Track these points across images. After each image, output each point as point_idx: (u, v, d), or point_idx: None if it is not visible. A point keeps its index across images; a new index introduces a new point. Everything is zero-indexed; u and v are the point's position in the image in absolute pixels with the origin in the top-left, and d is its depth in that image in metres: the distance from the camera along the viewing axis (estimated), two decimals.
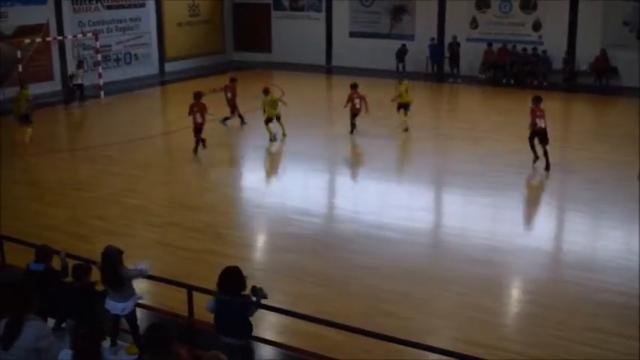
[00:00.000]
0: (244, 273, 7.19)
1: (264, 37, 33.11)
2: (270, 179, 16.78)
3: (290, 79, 28.33)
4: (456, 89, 27.12)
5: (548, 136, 15.94)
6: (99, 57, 25.67)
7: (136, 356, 7.56)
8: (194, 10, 31.74)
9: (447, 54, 28.44)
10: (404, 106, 19.84)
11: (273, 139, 18.87)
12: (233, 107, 20.24)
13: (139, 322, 8.32)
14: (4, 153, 17.05)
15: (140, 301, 8.54)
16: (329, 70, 30.95)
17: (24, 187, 15.68)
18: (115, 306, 7.83)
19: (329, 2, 31.40)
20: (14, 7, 24.10)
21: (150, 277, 8.48)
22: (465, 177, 15.71)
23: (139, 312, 8.96)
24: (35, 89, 21.78)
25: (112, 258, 7.74)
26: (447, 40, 28.53)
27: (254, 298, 7.16)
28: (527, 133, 16.24)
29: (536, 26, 27.33)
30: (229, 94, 20.28)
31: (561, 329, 9.12)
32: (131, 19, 28.62)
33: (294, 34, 31.96)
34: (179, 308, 8.46)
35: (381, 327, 7.77)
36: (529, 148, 16.18)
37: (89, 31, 26.16)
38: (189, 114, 17.52)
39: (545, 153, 15.97)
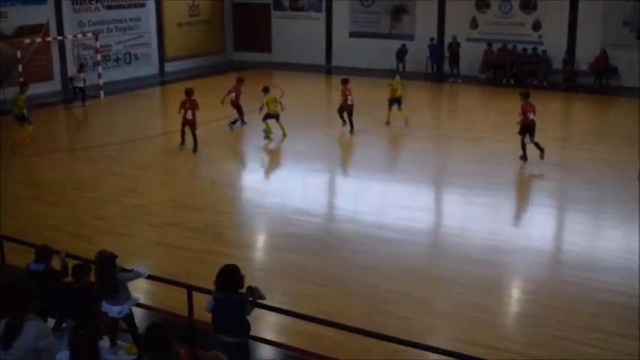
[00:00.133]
0: (243, 272, 7.19)
1: (264, 37, 33.11)
2: (270, 179, 16.77)
3: (290, 79, 28.34)
4: (455, 89, 27.12)
5: (539, 133, 16.05)
6: (99, 57, 25.66)
7: (135, 356, 7.58)
8: (194, 10, 31.74)
9: (446, 54, 28.45)
10: (397, 101, 20.23)
11: (269, 136, 18.92)
12: (237, 108, 20.18)
13: (139, 322, 8.32)
14: (4, 153, 17.04)
15: (140, 301, 8.55)
16: (329, 70, 30.95)
17: (24, 187, 15.68)
18: (110, 309, 7.80)
19: (329, 2, 31.41)
20: (14, 7, 24.10)
21: (150, 277, 8.48)
22: (464, 177, 15.71)
23: (139, 312, 8.97)
24: (35, 89, 21.83)
25: (105, 263, 7.73)
26: (447, 40, 28.54)
27: (250, 298, 7.17)
28: (517, 128, 16.48)
29: (536, 26, 27.34)
30: (233, 95, 20.26)
31: (561, 329, 9.12)
32: (131, 19, 28.62)
33: (294, 34, 31.97)
34: (179, 308, 8.47)
35: (381, 327, 7.77)
36: (520, 145, 16.47)
37: (89, 31, 26.15)
38: (180, 110, 17.88)
39: (536, 143, 16.33)
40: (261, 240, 13.14)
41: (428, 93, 27.15)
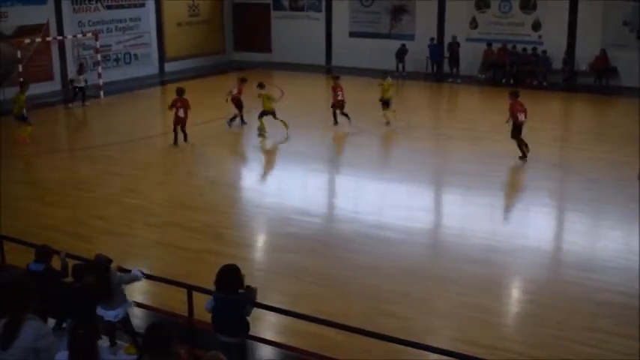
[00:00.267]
0: (243, 272, 7.20)
1: (264, 37, 33.11)
2: (269, 179, 16.77)
3: (290, 79, 28.35)
4: (455, 89, 27.13)
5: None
6: (99, 57, 25.66)
7: (135, 356, 7.58)
8: (194, 10, 31.74)
9: (446, 54, 28.45)
10: (385, 102, 20.44)
11: (263, 134, 18.95)
12: (237, 104, 20.18)
13: (139, 322, 8.32)
14: (4, 153, 17.04)
15: (140, 301, 8.55)
16: (329, 70, 30.89)
17: (24, 187, 15.68)
18: (106, 314, 7.76)
19: (329, 2, 31.40)
20: (14, 7, 24.10)
21: (150, 277, 8.49)
22: (464, 177, 15.71)
23: (139, 312, 8.99)
24: (35, 89, 21.83)
25: (100, 267, 7.73)
26: (447, 40, 28.54)
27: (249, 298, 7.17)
28: (509, 128, 16.78)
29: (536, 26, 27.34)
30: (235, 91, 20.31)
31: (561, 329, 9.13)
32: (131, 19, 28.62)
33: (294, 34, 31.97)
34: (179, 308, 8.47)
35: (380, 327, 7.77)
36: (517, 147, 16.74)
37: (89, 31, 26.15)
38: (171, 108, 18.30)
39: (520, 144, 16.73)
40: (260, 240, 13.14)
41: (428, 93, 27.16)
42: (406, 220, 13.20)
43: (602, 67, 25.85)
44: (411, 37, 29.55)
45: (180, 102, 18.16)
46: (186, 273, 9.87)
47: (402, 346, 7.01)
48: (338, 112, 20.26)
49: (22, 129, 18.70)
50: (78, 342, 5.46)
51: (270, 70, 30.61)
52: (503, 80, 27.08)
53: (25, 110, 18.76)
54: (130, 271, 8.08)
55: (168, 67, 30.24)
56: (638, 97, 22.89)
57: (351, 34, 31.12)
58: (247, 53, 33.32)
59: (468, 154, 17.69)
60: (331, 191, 15.86)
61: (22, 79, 21.22)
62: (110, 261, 7.82)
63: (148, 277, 8.40)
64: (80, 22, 26.38)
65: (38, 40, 24.50)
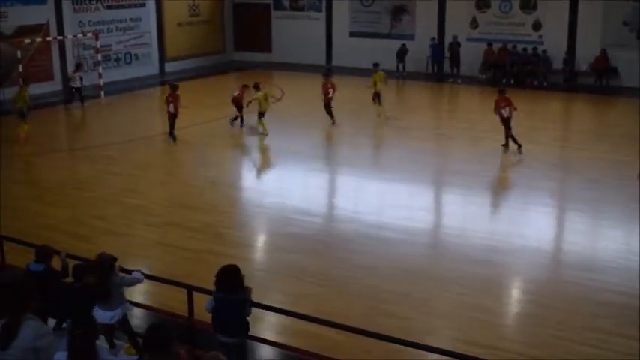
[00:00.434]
0: (243, 272, 7.20)
1: (265, 37, 33.10)
2: (270, 179, 16.75)
3: (290, 79, 28.34)
4: (456, 89, 27.11)
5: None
6: (99, 57, 25.68)
7: (134, 357, 7.57)
8: (194, 10, 31.74)
9: (447, 54, 28.44)
10: (377, 94, 20.80)
11: (265, 134, 18.97)
12: (237, 105, 20.21)
13: (139, 322, 8.32)
14: (4, 153, 17.04)
15: (140, 301, 8.54)
16: (329, 70, 30.87)
17: (24, 187, 15.68)
18: (103, 315, 7.70)
19: (329, 2, 31.40)
20: (14, 7, 24.09)
21: (150, 277, 8.49)
22: (464, 177, 15.71)
23: (139, 312, 8.98)
24: (35, 89, 21.82)
25: (104, 265, 7.73)
26: (447, 40, 28.53)
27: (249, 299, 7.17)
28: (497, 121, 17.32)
29: (536, 26, 27.33)
30: (237, 93, 20.37)
31: (561, 329, 9.12)
32: (131, 19, 28.62)
33: (295, 34, 31.96)
34: (179, 308, 8.47)
35: (381, 327, 7.77)
36: (512, 141, 17.17)
37: (89, 31, 26.16)
38: (165, 103, 18.98)
39: (508, 137, 17.24)
40: (261, 240, 13.14)
41: (428, 93, 27.14)
42: (406, 220, 13.20)
43: (603, 67, 25.84)
44: (412, 37, 29.54)
45: (172, 97, 18.80)
46: (186, 273, 9.87)
47: (402, 346, 7.01)
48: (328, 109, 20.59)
49: (20, 127, 18.74)
50: (76, 342, 5.46)
51: (271, 70, 30.62)
52: (504, 80, 27.01)
53: (25, 108, 18.84)
54: (130, 271, 8.08)
55: (169, 67, 30.24)
56: (639, 97, 22.87)
57: (352, 34, 31.11)
58: (247, 53, 33.32)
59: (469, 154, 17.70)
60: (331, 191, 15.86)
61: (23, 78, 21.20)
62: (115, 259, 7.82)
63: (148, 277, 8.40)
64: (80, 22, 26.38)
65: (38, 40, 24.50)
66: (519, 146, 17.13)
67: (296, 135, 19.46)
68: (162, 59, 30.19)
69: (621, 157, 16.76)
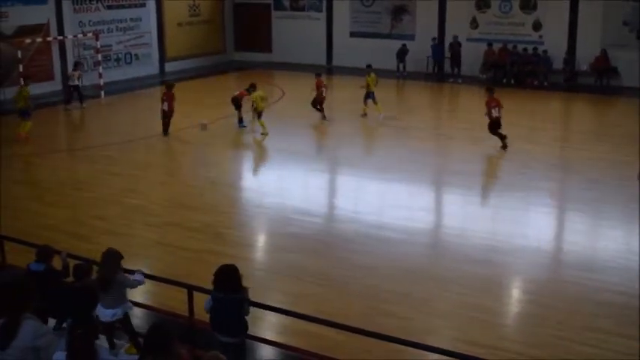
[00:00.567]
0: (242, 272, 7.19)
1: (265, 37, 33.11)
2: (270, 179, 16.73)
3: (290, 79, 28.34)
4: (456, 89, 27.11)
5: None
6: (99, 57, 25.69)
7: (135, 357, 7.57)
8: (194, 10, 31.74)
9: (447, 54, 28.44)
10: (370, 95, 21.06)
11: (265, 133, 19.01)
12: (238, 106, 20.24)
13: (139, 322, 8.32)
14: (4, 153, 17.05)
15: (140, 301, 8.53)
16: (329, 70, 30.93)
17: (24, 187, 15.67)
18: (104, 312, 7.73)
19: (329, 2, 31.41)
20: (15, 6, 24.10)
21: (150, 277, 8.49)
22: (465, 177, 15.71)
23: (139, 312, 8.98)
24: (36, 89, 21.82)
25: (110, 260, 7.73)
26: (448, 40, 28.53)
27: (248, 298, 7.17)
28: (486, 122, 17.57)
29: (537, 26, 27.33)
30: (237, 92, 20.44)
31: (561, 329, 9.12)
32: (131, 19, 28.63)
33: (295, 34, 31.97)
34: (179, 308, 8.47)
35: (381, 327, 7.77)
36: (499, 138, 17.46)
37: (90, 31, 26.17)
38: (161, 100, 19.58)
39: (501, 134, 17.50)
40: (261, 240, 13.14)
41: (428, 93, 27.15)
42: (406, 220, 13.20)
43: (603, 67, 25.85)
44: (412, 37, 29.55)
45: (166, 95, 19.47)
46: (186, 273, 9.87)
47: (403, 346, 7.00)
48: (318, 106, 21.07)
49: (22, 125, 18.79)
50: (76, 342, 5.47)
51: (271, 70, 30.63)
52: (504, 80, 27.08)
53: (28, 106, 19.03)
54: (132, 271, 8.08)
55: (169, 67, 30.25)
56: (639, 97, 22.89)
57: (352, 34, 31.12)
58: (248, 53, 33.32)
59: (469, 154, 17.69)
60: (331, 191, 15.86)
61: (24, 77, 21.20)
62: (122, 257, 7.83)
63: (149, 276, 8.39)
64: (81, 22, 26.38)
65: (39, 40, 24.51)
66: (505, 145, 17.42)
67: (296, 135, 19.45)
68: (163, 59, 30.20)
69: (621, 157, 16.76)
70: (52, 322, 7.79)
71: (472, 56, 27.78)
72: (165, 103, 19.30)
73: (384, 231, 12.61)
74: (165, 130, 19.48)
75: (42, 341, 5.00)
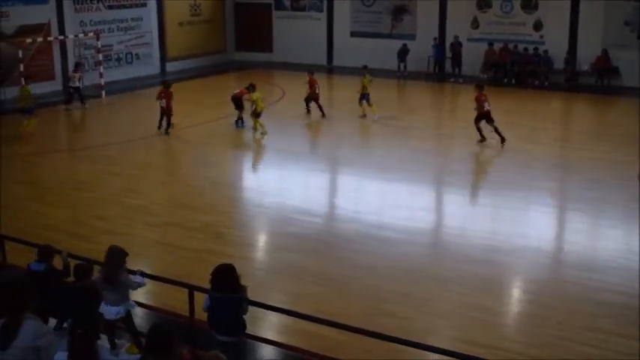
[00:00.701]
0: (240, 272, 7.19)
1: (266, 36, 33.10)
2: (270, 179, 16.73)
3: (291, 78, 28.29)
4: (457, 89, 27.08)
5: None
6: (100, 57, 25.70)
7: (136, 356, 7.57)
8: (195, 10, 31.74)
9: (448, 54, 28.42)
10: (364, 97, 21.17)
11: (264, 132, 19.03)
12: (239, 106, 20.25)
13: (140, 322, 8.32)
14: (4, 153, 17.05)
15: (141, 301, 8.53)
16: (330, 69, 30.93)
17: (24, 187, 15.67)
18: (109, 310, 7.75)
19: (330, 2, 31.40)
20: (15, 6, 24.10)
21: (150, 277, 8.49)
22: (465, 177, 15.72)
23: (140, 311, 8.97)
24: (36, 89, 21.81)
25: (114, 257, 7.74)
26: (449, 40, 28.51)
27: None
28: (474, 115, 18.20)
29: (538, 26, 27.31)
30: (237, 91, 20.45)
31: (561, 329, 9.12)
32: (132, 19, 28.63)
33: (296, 33, 31.96)
34: (180, 308, 8.47)
35: (381, 327, 7.77)
36: (477, 131, 18.08)
37: (90, 31, 26.17)
38: (157, 99, 19.79)
39: (496, 129, 17.86)
40: (261, 239, 13.14)
41: (429, 93, 27.14)
42: (407, 219, 13.20)
43: (604, 67, 25.83)
44: (413, 37, 29.54)
45: (164, 93, 19.61)
46: (186, 273, 9.86)
47: (403, 346, 7.00)
48: (314, 104, 21.45)
49: (27, 122, 18.87)
50: (77, 342, 5.46)
51: (272, 69, 30.63)
52: (505, 80, 27.07)
53: (31, 105, 19.25)
54: (133, 272, 8.08)
55: (170, 66, 30.25)
56: (639, 97, 22.86)
57: (353, 34, 31.11)
58: (248, 53, 33.32)
59: (469, 153, 17.69)
60: (332, 191, 15.86)
61: (25, 77, 21.25)
62: (126, 254, 7.84)
63: (149, 276, 8.39)
64: (82, 21, 26.39)
65: (39, 39, 24.51)
66: (483, 139, 18.05)
67: (296, 134, 19.44)
68: (164, 59, 30.20)
69: (622, 157, 16.76)
70: (52, 321, 7.80)
71: (473, 56, 27.76)
72: (163, 101, 19.49)
73: (384, 231, 12.61)
74: (167, 129, 19.53)
75: (42, 341, 5.00)
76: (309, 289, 10.37)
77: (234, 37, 33.87)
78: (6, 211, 12.87)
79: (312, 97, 21.40)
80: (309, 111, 21.70)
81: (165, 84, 20.51)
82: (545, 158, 17.01)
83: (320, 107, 21.31)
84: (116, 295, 7.77)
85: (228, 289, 7.03)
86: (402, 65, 28.87)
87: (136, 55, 28.99)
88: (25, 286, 5.19)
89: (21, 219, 12.95)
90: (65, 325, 7.78)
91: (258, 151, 18.88)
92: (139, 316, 8.97)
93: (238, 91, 20.42)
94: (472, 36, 28.39)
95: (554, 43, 26.69)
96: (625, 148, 17.40)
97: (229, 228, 13.05)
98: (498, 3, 27.91)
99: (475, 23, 28.45)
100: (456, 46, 28.03)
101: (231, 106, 20.35)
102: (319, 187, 15.76)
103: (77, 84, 23.17)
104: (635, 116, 20.24)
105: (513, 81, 26.93)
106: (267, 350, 8.59)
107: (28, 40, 23.82)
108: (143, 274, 8.23)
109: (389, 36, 30.12)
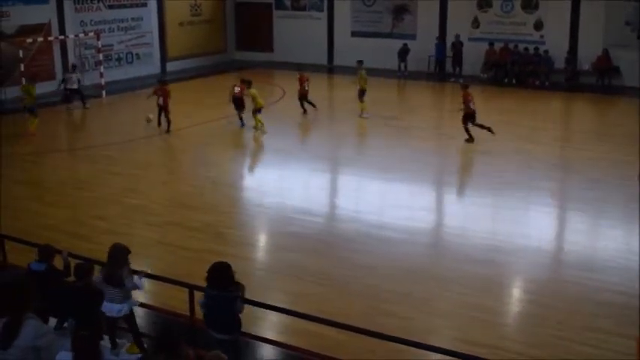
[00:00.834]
0: (236, 270, 7.19)
1: (266, 36, 33.11)
2: (270, 178, 16.72)
3: (291, 78, 28.20)
4: (458, 89, 26.95)
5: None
6: (101, 56, 25.71)
7: (136, 356, 7.58)
8: (196, 10, 31.76)
9: (449, 54, 28.42)
10: (362, 93, 21.47)
11: (263, 129, 19.05)
12: (240, 106, 20.24)
13: (140, 321, 8.32)
14: (4, 152, 17.06)
15: (142, 301, 8.54)
16: (331, 69, 30.95)
17: (24, 187, 15.66)
18: (111, 308, 7.77)
19: (330, 2, 31.42)
20: (16, 6, 24.11)
21: (151, 277, 8.49)
22: (465, 176, 15.71)
23: (141, 311, 8.98)
24: (37, 89, 21.79)
25: (117, 255, 7.75)
26: (449, 39, 28.50)
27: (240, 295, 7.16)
28: (460, 115, 18.38)
29: (538, 26, 27.31)
30: (237, 89, 20.41)
31: (561, 329, 9.12)
32: (133, 19, 28.64)
33: (296, 33, 31.98)
34: (180, 307, 8.47)
35: (381, 327, 7.77)
36: (465, 131, 18.25)
37: (91, 31, 26.19)
38: (153, 94, 20.26)
39: (481, 126, 18.20)
40: (261, 239, 13.14)
41: (430, 92, 27.13)
42: (407, 219, 13.20)
43: (605, 67, 25.82)
44: (413, 37, 29.54)
45: (161, 91, 19.96)
46: (186, 272, 9.83)
47: (404, 346, 7.01)
48: (305, 101, 21.73)
49: (29, 121, 18.88)
50: (80, 343, 5.48)
51: (272, 69, 30.63)
52: (505, 80, 27.08)
53: (34, 104, 19.45)
54: (139, 272, 8.09)
55: (170, 66, 30.27)
56: None
57: (353, 34, 31.12)
58: (249, 53, 33.34)
59: (470, 153, 17.68)
60: (332, 191, 15.86)
61: (30, 76, 21.30)
62: (129, 252, 7.84)
63: (150, 276, 8.39)
64: (82, 21, 26.40)
65: (40, 39, 24.52)
66: (471, 139, 18.18)
67: (296, 134, 19.43)
68: (164, 59, 30.22)
69: (622, 157, 16.75)
70: (52, 321, 7.81)
71: (473, 56, 27.77)
72: (161, 99, 19.75)
73: (384, 230, 12.61)
74: (167, 128, 19.64)
75: (42, 341, 5.01)
76: (309, 288, 10.37)
77: (234, 36, 33.89)
78: (6, 211, 12.88)
79: (300, 94, 21.76)
80: (305, 110, 21.78)
81: (161, 81, 20.83)
82: (546, 158, 17.01)
83: (307, 103, 21.71)
84: (119, 292, 7.78)
85: (223, 286, 7.03)
86: (402, 65, 28.87)
87: (137, 54, 29.01)
88: (24, 286, 5.19)
89: (21, 219, 12.95)
90: (66, 324, 7.80)
91: (258, 151, 18.88)
92: (139, 315, 8.97)
93: (238, 90, 20.38)
94: (473, 36, 28.39)
95: (555, 42, 26.69)
96: (625, 147, 17.39)
97: (230, 228, 13.05)
98: (499, 3, 27.91)
99: (475, 23, 28.45)
100: (457, 45, 28.02)
101: (231, 106, 20.31)
102: (319, 187, 15.76)
103: (75, 86, 23.11)
104: (636, 116, 20.19)
105: (514, 81, 26.93)
106: (267, 350, 8.59)
107: (29, 40, 23.83)
108: (148, 276, 8.23)
109: (389, 36, 30.13)
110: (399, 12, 30.04)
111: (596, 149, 17.83)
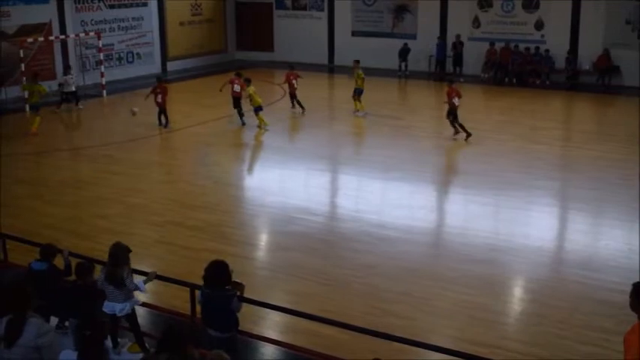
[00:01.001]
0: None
1: (267, 36, 33.11)
2: (271, 178, 16.73)
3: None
4: (458, 88, 27.01)
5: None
6: (101, 56, 25.72)
7: (138, 355, 7.58)
8: (196, 10, 31.76)
9: (450, 53, 28.41)
10: (358, 92, 21.57)
11: (265, 128, 19.07)
12: (239, 105, 20.27)
13: (140, 321, 8.32)
14: (4, 152, 17.06)
15: (143, 300, 8.54)
16: (331, 69, 30.95)
17: (25, 186, 15.65)
18: (113, 307, 7.77)
19: (331, 1, 31.42)
20: (17, 6, 24.13)
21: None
22: (466, 176, 15.70)
23: (142, 310, 8.98)
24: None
25: (119, 253, 7.75)
26: (450, 39, 28.50)
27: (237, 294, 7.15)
28: (445, 110, 18.84)
29: (539, 25, 27.30)
30: (236, 86, 20.40)
31: (562, 328, 9.12)
32: (133, 19, 28.65)
33: (297, 33, 31.98)
34: (181, 307, 8.48)
35: (382, 326, 7.79)
36: (457, 128, 18.59)
37: (92, 31, 26.20)
38: (151, 93, 20.37)
39: (461, 125, 18.58)
40: (263, 239, 13.14)
41: (430, 92, 27.13)
42: (408, 219, 13.21)
43: (605, 67, 25.81)
44: (414, 37, 29.54)
45: (160, 88, 20.13)
46: (187, 272, 9.83)
47: (404, 345, 7.01)
48: (296, 99, 21.98)
49: (32, 120, 18.95)
50: (85, 343, 5.49)
51: (273, 69, 30.60)
52: (506, 79, 27.08)
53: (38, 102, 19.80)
54: (146, 273, 8.09)
55: (171, 66, 30.28)
56: None
57: (354, 33, 31.12)
58: (250, 52, 33.34)
59: (471, 153, 17.68)
60: (333, 190, 15.86)
61: (35, 75, 21.31)
62: (129, 250, 7.84)
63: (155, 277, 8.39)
64: (83, 21, 26.42)
65: (41, 39, 24.53)
66: (457, 132, 18.58)
67: (297, 134, 19.42)
68: (165, 58, 30.23)
69: (623, 156, 16.75)
70: (53, 320, 7.81)
71: (474, 55, 27.77)
72: (159, 96, 19.97)
73: (385, 230, 12.61)
74: (166, 124, 19.99)
75: (44, 340, 5.03)
76: (310, 288, 10.37)
77: (235, 36, 33.89)
78: (7, 210, 12.89)
79: (290, 93, 21.93)
80: (303, 109, 21.82)
81: (159, 79, 21.03)
82: (546, 157, 17.01)
83: (297, 101, 21.90)
84: (120, 291, 7.78)
85: (220, 285, 7.02)
86: (403, 65, 28.87)
87: (137, 54, 29.02)
88: (25, 286, 5.21)
89: (22, 218, 12.97)
90: (67, 323, 7.81)
91: (259, 150, 18.87)
92: (140, 315, 8.97)
93: (238, 89, 20.37)
94: (473, 35, 28.38)
95: (556, 42, 26.68)
96: (626, 147, 17.39)
97: (231, 227, 13.05)
98: (499, 2, 27.90)
99: (476, 23, 28.44)
100: (458, 45, 28.01)
101: (231, 106, 20.31)
102: (321, 186, 15.75)
103: (73, 88, 22.96)
104: (636, 115, 20.23)
105: (514, 80, 26.93)
106: (268, 349, 8.59)
107: (29, 40, 23.85)
108: (156, 277, 8.22)
109: (390, 35, 30.12)
110: (400, 12, 30.04)
111: (596, 148, 17.83)
